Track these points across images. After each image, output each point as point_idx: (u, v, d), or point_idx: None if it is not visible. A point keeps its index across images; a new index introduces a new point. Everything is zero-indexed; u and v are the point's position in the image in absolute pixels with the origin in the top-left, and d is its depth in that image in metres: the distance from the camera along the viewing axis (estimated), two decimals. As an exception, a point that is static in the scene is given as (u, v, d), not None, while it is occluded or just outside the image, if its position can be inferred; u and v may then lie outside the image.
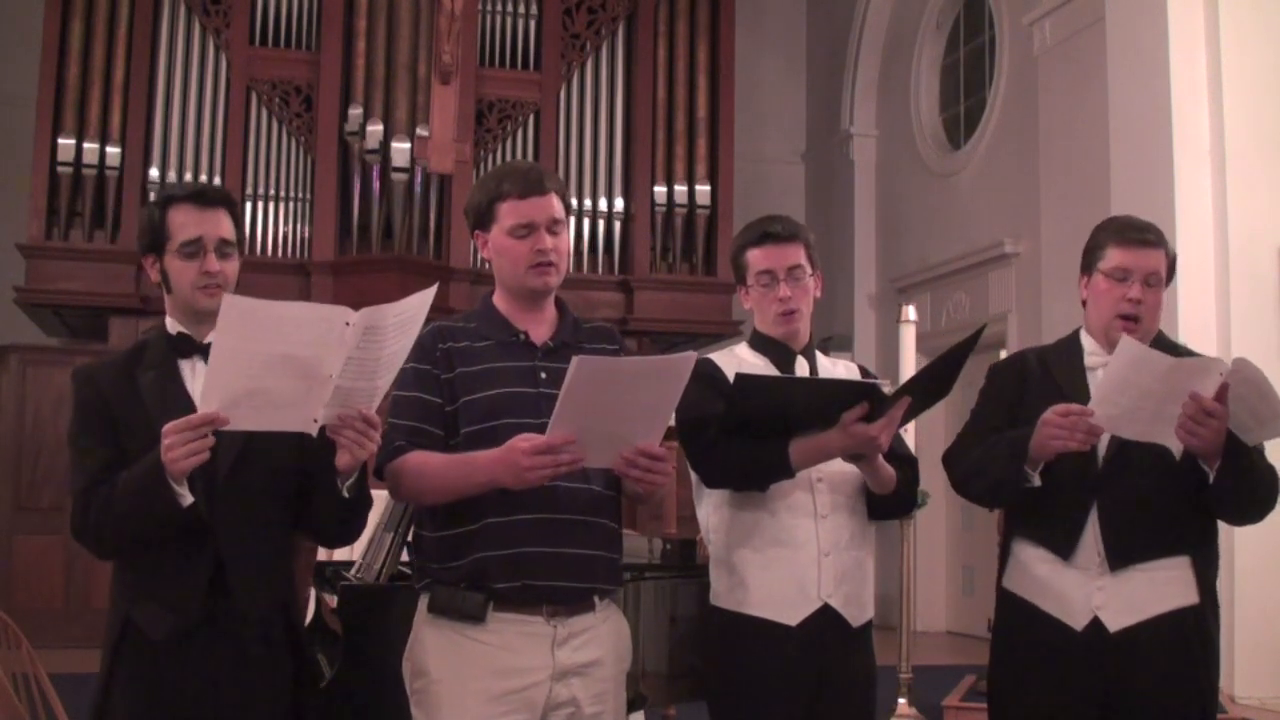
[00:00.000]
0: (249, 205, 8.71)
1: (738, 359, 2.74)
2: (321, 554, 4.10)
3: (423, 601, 2.39)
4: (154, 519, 2.13)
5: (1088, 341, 2.74)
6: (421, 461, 2.33)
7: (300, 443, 2.20)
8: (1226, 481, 2.51)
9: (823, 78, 11.35)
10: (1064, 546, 2.61)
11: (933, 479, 3.20)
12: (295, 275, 8.71)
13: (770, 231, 2.71)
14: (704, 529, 2.77)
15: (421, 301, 2.13)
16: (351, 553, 3.51)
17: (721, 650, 2.66)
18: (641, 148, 9.41)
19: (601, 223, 9.36)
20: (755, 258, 2.71)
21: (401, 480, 2.36)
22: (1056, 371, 2.73)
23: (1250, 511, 2.62)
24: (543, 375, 2.38)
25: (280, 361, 2.02)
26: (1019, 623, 2.69)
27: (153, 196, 3.42)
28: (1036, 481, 2.58)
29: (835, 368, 2.83)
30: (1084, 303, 2.76)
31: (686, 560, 3.16)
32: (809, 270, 2.72)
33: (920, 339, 5.61)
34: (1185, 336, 5.37)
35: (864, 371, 2.82)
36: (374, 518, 2.69)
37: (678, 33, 9.63)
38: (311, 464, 2.26)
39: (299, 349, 2.02)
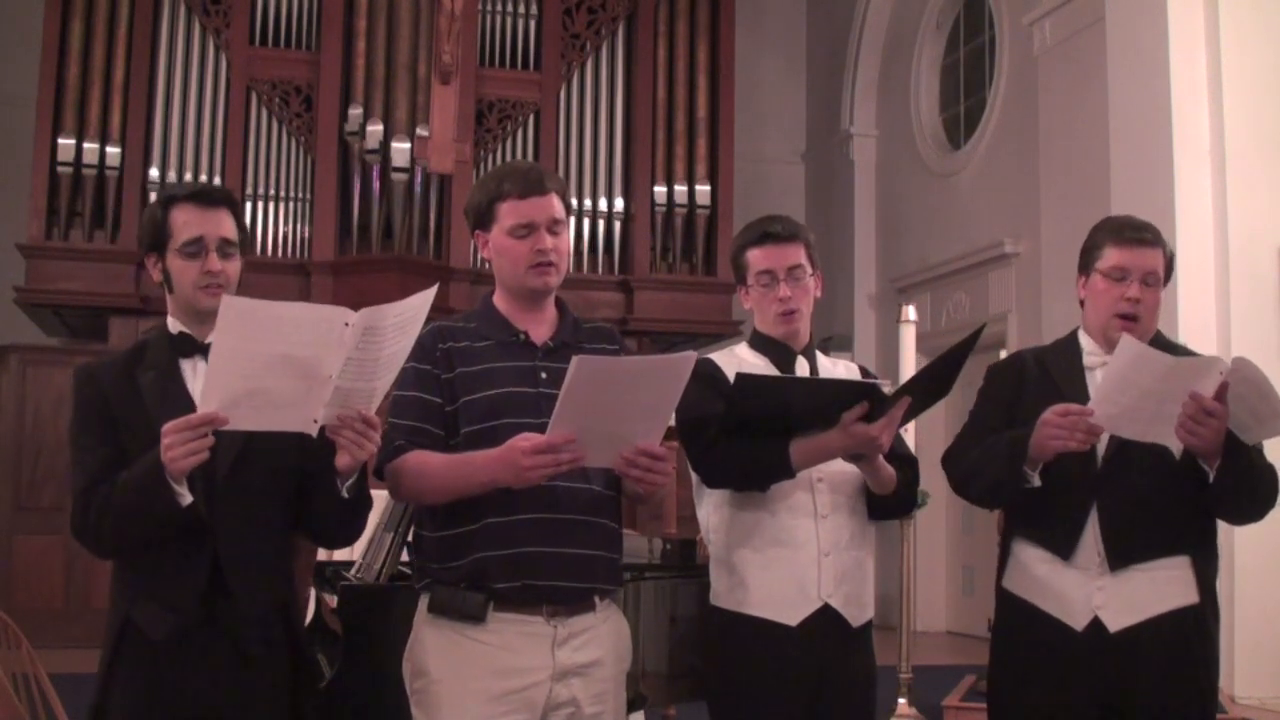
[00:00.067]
0: (249, 205, 8.71)
1: (738, 359, 2.73)
2: (321, 554, 4.09)
3: (423, 601, 2.39)
4: (153, 519, 2.12)
5: (1086, 341, 2.74)
6: (421, 461, 2.33)
7: (300, 443, 2.20)
8: (1226, 481, 2.51)
9: (823, 78, 11.35)
10: (1064, 546, 2.61)
11: (933, 479, 3.19)
12: (295, 275, 8.71)
13: (770, 231, 2.71)
14: (704, 529, 2.77)
15: (421, 302, 2.13)
16: (351, 553, 3.50)
17: (721, 650, 2.66)
18: (641, 148, 9.41)
19: (601, 223, 9.36)
20: (755, 258, 2.71)
21: (401, 480, 2.36)
22: (1055, 372, 2.72)
23: (1250, 511, 2.62)
24: (543, 375, 2.38)
25: (280, 362, 2.02)
26: (1019, 623, 2.69)
27: (153, 196, 3.42)
28: (1036, 482, 2.58)
29: (835, 368, 2.82)
30: (1082, 303, 2.76)
31: (686, 560, 3.16)
32: (809, 270, 2.72)
33: (920, 339, 5.61)
34: (1185, 336, 5.37)
35: (864, 371, 2.82)
36: (374, 518, 2.69)
37: (678, 33, 9.63)
38: (311, 464, 2.26)
39: (298, 349, 2.02)
